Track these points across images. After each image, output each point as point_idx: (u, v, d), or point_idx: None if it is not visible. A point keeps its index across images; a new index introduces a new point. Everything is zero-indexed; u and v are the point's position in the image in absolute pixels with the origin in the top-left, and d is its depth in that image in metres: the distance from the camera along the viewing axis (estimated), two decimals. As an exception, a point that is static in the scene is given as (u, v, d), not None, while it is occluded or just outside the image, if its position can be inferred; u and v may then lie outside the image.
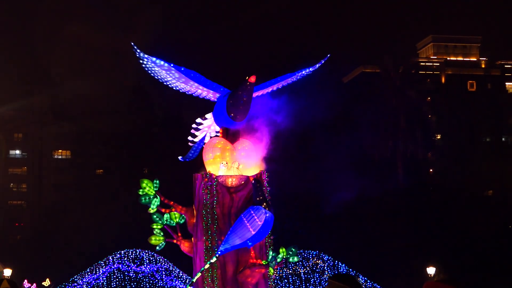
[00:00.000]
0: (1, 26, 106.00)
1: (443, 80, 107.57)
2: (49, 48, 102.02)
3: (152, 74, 23.74)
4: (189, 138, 24.74)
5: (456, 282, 9.02)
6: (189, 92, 24.14)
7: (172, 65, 23.15)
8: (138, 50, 23.10)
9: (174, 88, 24.03)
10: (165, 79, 23.80)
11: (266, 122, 24.80)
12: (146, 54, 23.08)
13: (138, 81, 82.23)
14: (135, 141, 78.89)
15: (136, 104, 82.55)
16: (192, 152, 24.98)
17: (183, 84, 23.80)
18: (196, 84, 23.70)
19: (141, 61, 23.33)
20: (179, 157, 25.11)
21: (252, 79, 23.07)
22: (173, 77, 23.53)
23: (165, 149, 75.49)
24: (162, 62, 23.10)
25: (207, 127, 24.72)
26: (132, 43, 23.42)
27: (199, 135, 24.77)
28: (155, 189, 23.69)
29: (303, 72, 25.35)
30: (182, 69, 23.35)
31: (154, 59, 23.04)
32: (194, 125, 24.69)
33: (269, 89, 25.07)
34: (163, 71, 23.41)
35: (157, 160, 76.03)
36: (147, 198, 23.68)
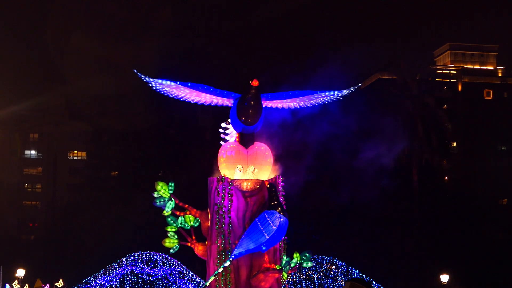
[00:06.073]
0: (17, 27, 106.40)
1: (459, 88, 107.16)
2: (65, 48, 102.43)
3: (165, 94, 24.22)
4: (221, 142, 24.92)
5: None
6: (207, 103, 24.47)
7: (178, 82, 23.62)
8: (143, 76, 23.68)
9: (191, 102, 24.46)
10: (179, 96, 24.24)
11: (282, 128, 24.96)
12: (152, 78, 23.72)
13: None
14: (151, 143, 78.79)
15: (153, 105, 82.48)
16: None
17: (197, 97, 24.18)
18: (209, 95, 24.02)
19: (149, 85, 23.97)
20: None
21: (255, 82, 23.33)
22: (185, 92, 23.98)
23: (181, 152, 75.39)
24: (168, 82, 23.60)
25: (235, 131, 24.91)
26: (135, 70, 24.06)
27: (230, 138, 24.94)
28: (170, 191, 23.75)
29: (327, 94, 25.29)
30: (189, 84, 23.83)
31: (159, 80, 23.58)
32: (221, 130, 24.95)
33: (290, 104, 25.14)
34: (174, 90, 23.92)
35: (172, 163, 75.92)
36: (162, 200, 23.75)
